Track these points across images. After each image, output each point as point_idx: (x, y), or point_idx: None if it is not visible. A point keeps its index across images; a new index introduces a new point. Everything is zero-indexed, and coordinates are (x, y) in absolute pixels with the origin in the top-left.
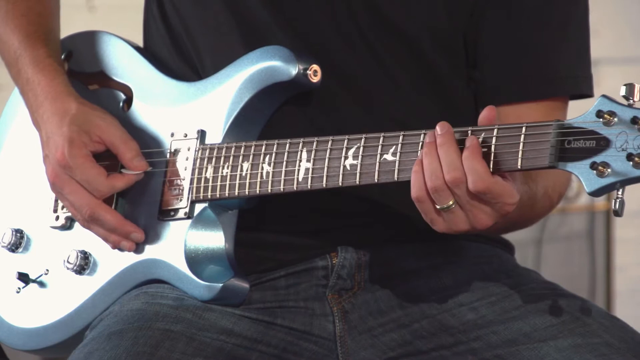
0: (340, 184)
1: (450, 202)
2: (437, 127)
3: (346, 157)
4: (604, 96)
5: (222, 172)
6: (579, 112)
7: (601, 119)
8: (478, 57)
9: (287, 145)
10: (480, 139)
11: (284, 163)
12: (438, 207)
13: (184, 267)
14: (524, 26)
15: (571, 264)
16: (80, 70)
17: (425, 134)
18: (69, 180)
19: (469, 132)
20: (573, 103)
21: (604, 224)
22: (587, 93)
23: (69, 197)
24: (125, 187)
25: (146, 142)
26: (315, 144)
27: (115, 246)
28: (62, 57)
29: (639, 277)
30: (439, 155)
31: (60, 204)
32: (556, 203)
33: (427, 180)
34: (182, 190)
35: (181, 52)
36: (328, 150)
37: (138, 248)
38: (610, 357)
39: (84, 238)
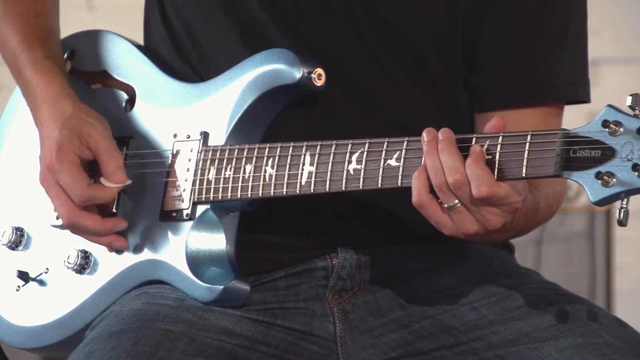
0: (343, 188)
1: (456, 200)
2: (439, 133)
3: (350, 162)
4: (609, 106)
5: (224, 174)
6: (577, 112)
7: (607, 129)
8: (476, 61)
9: (291, 148)
10: (485, 147)
11: (287, 166)
12: (445, 206)
13: (185, 269)
14: (522, 31)
15: (571, 264)
16: (83, 69)
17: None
18: (54, 184)
19: (474, 139)
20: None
21: (604, 224)
22: (584, 99)
23: (53, 201)
24: (107, 199)
25: (148, 142)
26: (318, 147)
27: (110, 247)
28: (65, 56)
29: (639, 277)
30: (441, 161)
31: None
32: (555, 211)
33: (432, 179)
34: (184, 191)
35: (182, 53)
36: (332, 155)
37: (139, 249)
38: (611, 357)
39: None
